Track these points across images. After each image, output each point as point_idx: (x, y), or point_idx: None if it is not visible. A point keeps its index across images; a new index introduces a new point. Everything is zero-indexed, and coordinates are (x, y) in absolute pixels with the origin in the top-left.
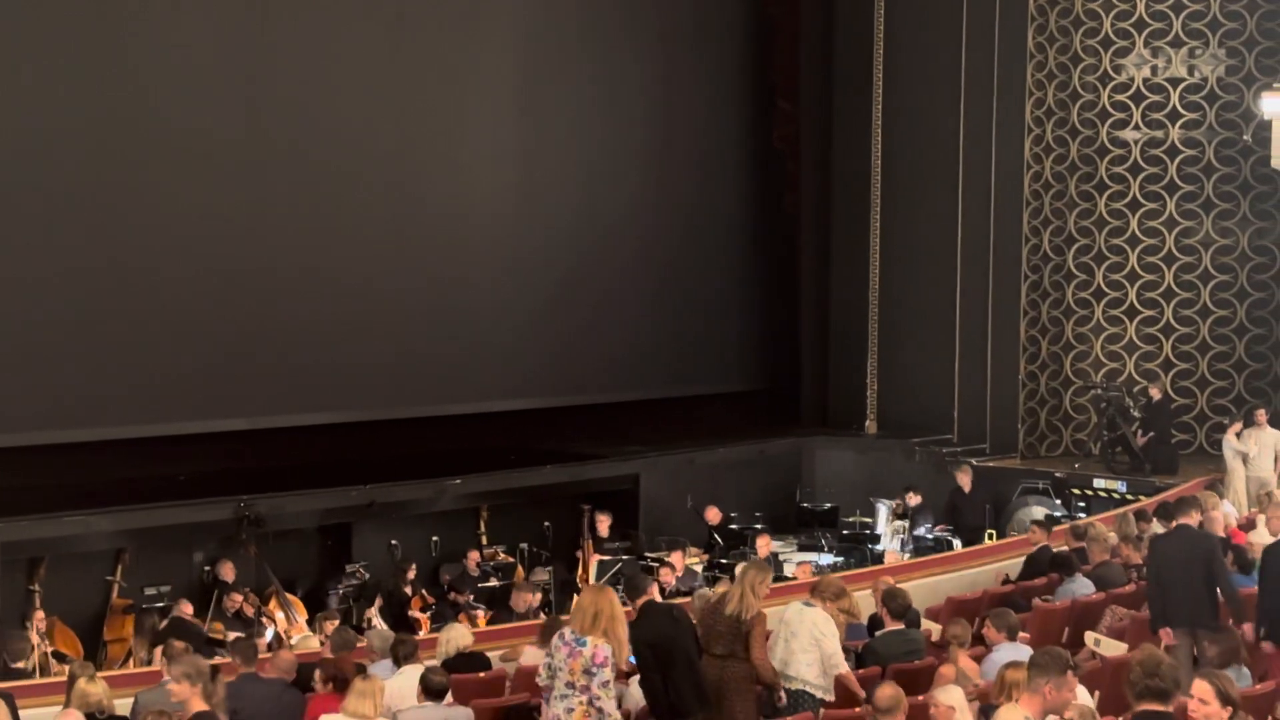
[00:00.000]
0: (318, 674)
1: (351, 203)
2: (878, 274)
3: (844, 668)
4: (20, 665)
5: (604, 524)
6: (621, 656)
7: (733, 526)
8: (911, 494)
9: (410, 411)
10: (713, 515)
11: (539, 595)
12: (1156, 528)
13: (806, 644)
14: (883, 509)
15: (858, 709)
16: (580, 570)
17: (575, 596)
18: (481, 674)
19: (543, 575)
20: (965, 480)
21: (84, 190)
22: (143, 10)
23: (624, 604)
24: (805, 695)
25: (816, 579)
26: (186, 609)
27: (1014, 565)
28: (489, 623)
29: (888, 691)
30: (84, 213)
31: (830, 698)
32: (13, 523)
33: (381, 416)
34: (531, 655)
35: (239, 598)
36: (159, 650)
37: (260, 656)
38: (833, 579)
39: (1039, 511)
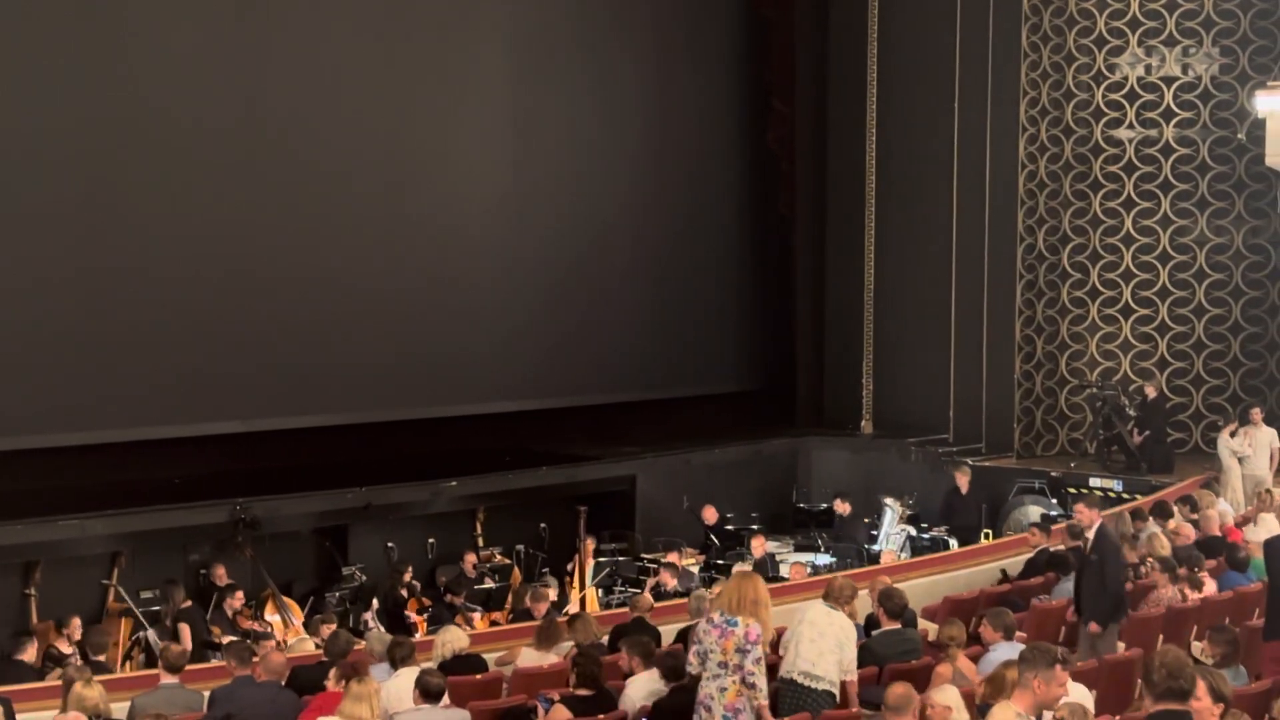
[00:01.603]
0: (333, 673)
1: (346, 205)
2: (873, 274)
3: (854, 675)
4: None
5: (589, 547)
6: (767, 638)
7: (729, 527)
8: (840, 501)
9: (406, 413)
10: (710, 515)
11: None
12: (1153, 527)
13: (833, 645)
14: (889, 510)
15: (854, 710)
16: (575, 571)
17: (574, 596)
18: (478, 676)
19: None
20: (963, 481)
21: (78, 194)
22: (139, 13)
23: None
24: (829, 695)
25: (832, 578)
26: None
27: (1010, 565)
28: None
29: (899, 690)
30: (78, 216)
31: None
32: (8, 526)
33: (377, 418)
34: (528, 656)
35: (241, 596)
36: (184, 628)
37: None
38: (846, 581)
39: (1035, 511)
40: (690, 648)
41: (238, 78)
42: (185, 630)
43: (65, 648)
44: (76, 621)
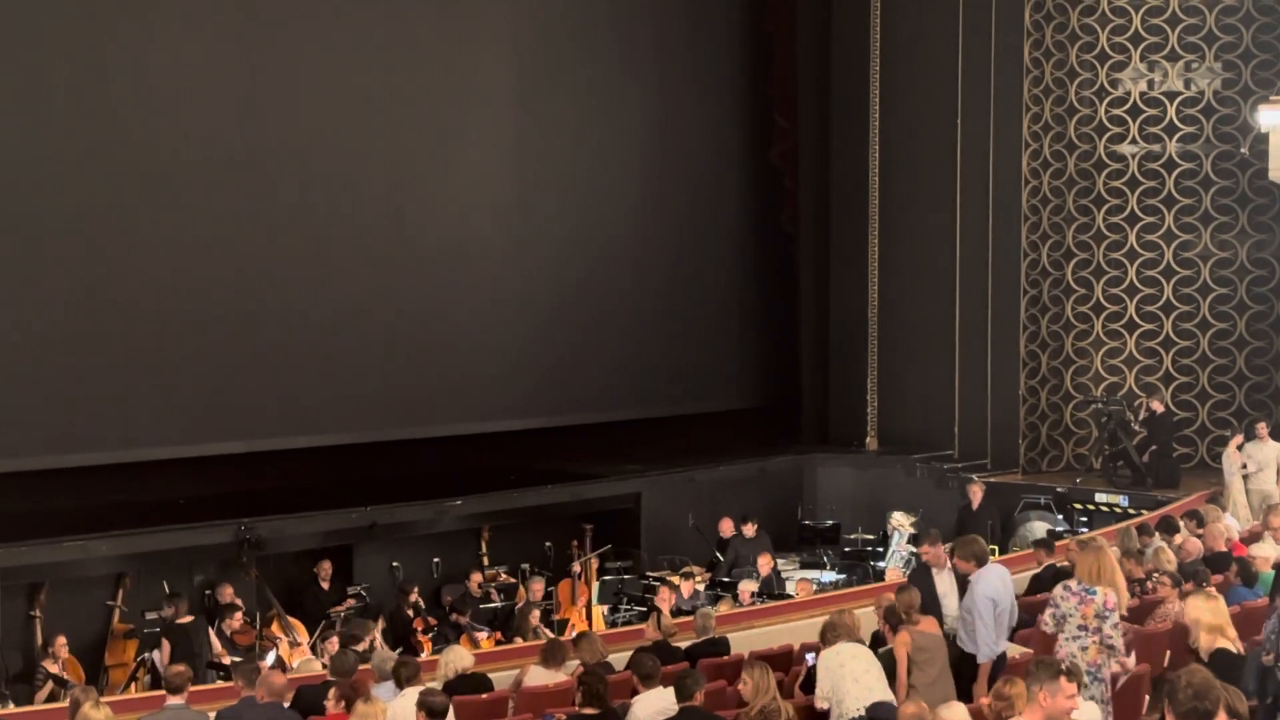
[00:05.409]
0: (332, 693)
1: (349, 224)
2: (877, 290)
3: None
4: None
5: (594, 565)
6: (1122, 602)
7: None
8: (748, 524)
9: (410, 433)
10: (726, 528)
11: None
12: (1159, 541)
13: (879, 672)
14: (897, 530)
15: None
16: (583, 588)
17: (580, 613)
18: (483, 695)
19: (539, 585)
20: (975, 496)
21: (81, 216)
22: (135, 37)
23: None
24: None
25: (840, 614)
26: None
27: (1015, 581)
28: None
29: (910, 710)
30: (82, 239)
31: None
32: (12, 548)
33: (381, 438)
34: (536, 675)
35: (240, 616)
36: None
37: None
38: (850, 617)
39: (1040, 527)
40: (1045, 610)
41: (240, 101)
42: (165, 646)
43: (52, 667)
44: (61, 640)
